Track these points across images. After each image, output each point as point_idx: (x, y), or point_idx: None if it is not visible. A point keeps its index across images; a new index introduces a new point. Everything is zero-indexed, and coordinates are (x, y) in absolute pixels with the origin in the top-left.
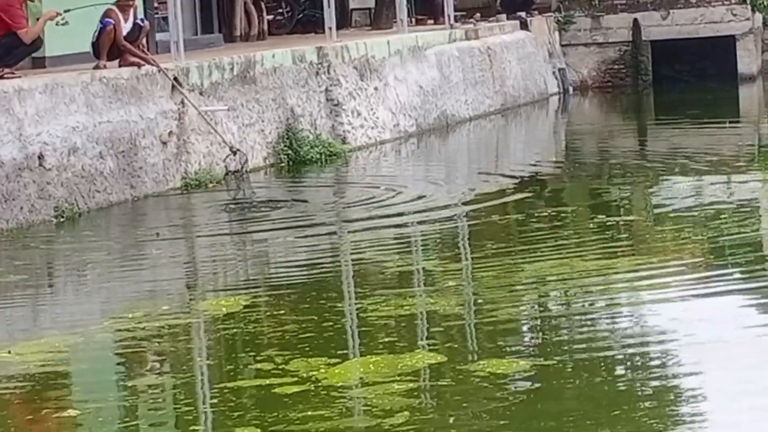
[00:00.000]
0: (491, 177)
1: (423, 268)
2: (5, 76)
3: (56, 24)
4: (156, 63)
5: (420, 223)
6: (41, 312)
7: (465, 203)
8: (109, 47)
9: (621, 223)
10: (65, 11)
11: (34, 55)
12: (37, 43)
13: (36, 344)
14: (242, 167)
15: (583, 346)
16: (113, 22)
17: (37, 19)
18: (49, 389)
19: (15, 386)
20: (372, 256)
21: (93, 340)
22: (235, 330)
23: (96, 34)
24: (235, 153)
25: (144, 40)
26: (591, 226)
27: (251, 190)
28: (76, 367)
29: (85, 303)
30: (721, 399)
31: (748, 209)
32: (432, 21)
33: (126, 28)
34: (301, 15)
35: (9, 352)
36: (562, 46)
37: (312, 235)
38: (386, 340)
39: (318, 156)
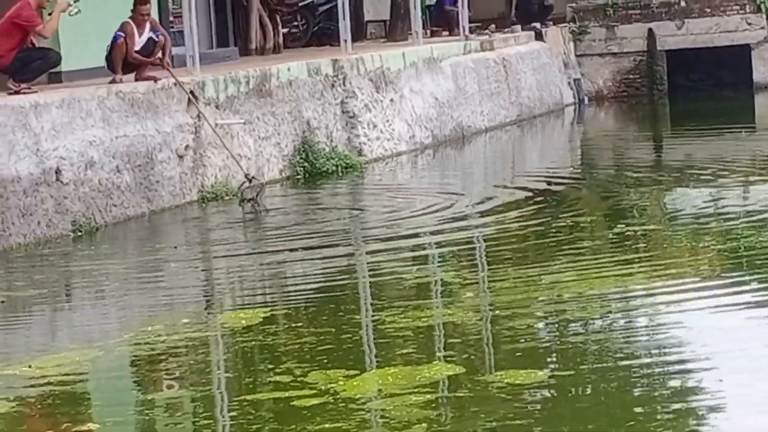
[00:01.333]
0: (508, 188)
1: (441, 279)
2: (22, 91)
3: (69, 14)
4: (172, 73)
5: (436, 233)
6: (60, 326)
7: (481, 214)
8: (123, 61)
9: (639, 232)
10: (75, 0)
11: (50, 70)
12: (55, 58)
13: (55, 358)
14: (257, 194)
15: (601, 356)
16: (124, 35)
17: (50, 14)
18: (68, 403)
19: (35, 400)
20: (390, 269)
21: (112, 354)
22: (253, 342)
23: (109, 47)
24: (250, 180)
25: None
26: (609, 235)
27: (266, 211)
28: (96, 381)
29: (103, 317)
30: (740, 409)
31: (767, 218)
32: (447, 32)
33: (140, 42)
34: (316, 28)
35: (29, 366)
36: (577, 56)
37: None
38: (404, 351)
39: (334, 168)
